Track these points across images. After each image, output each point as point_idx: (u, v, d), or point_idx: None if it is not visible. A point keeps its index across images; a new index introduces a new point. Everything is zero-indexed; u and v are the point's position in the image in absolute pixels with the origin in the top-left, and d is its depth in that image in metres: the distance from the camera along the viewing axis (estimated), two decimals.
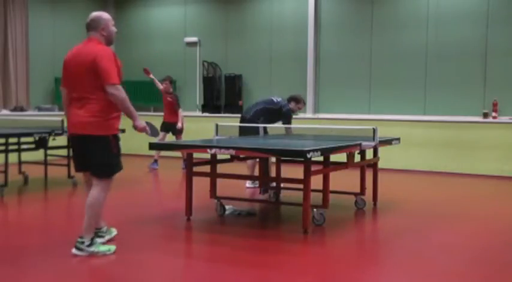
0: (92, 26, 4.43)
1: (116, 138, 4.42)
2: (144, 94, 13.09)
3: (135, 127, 4.45)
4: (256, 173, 7.46)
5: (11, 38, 11.34)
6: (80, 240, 4.37)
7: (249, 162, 7.56)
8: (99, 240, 4.57)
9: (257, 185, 7.60)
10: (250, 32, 12.22)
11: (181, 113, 9.85)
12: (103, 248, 4.44)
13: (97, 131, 4.28)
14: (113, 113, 4.33)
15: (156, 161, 9.98)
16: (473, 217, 6.25)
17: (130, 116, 4.35)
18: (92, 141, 4.30)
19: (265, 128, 7.37)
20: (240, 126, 7.38)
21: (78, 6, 12.82)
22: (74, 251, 4.37)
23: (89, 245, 4.36)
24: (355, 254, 4.86)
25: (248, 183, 7.92)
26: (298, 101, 7.74)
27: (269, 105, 7.57)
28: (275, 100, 7.63)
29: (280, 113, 7.52)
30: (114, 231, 4.98)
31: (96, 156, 4.35)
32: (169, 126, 9.81)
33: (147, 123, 4.60)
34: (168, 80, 9.89)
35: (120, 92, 4.21)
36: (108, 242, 4.74)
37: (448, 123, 10.05)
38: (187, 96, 12.93)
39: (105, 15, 4.50)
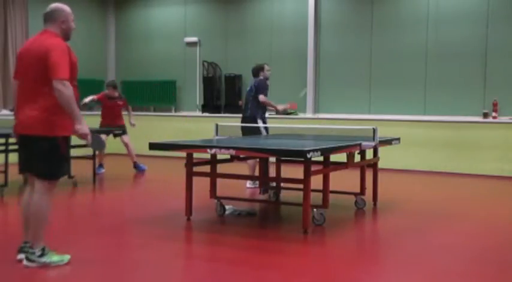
0: (51, 17, 4.13)
1: (66, 141, 4.11)
2: (144, 94, 13.09)
3: (76, 131, 4.00)
4: (257, 172, 7.46)
5: (11, 38, 11.34)
6: (30, 250, 4.04)
7: (250, 162, 7.59)
8: (23, 256, 4.12)
9: (257, 185, 7.61)
10: (250, 32, 12.22)
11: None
12: (56, 258, 4.09)
13: (44, 130, 3.95)
14: (62, 113, 3.96)
15: (101, 165, 9.57)
16: (473, 217, 6.25)
17: (72, 116, 3.95)
18: (38, 141, 3.98)
19: (266, 129, 7.47)
20: (242, 127, 7.46)
21: (78, 6, 12.76)
22: (24, 262, 4.05)
23: (41, 256, 4.05)
24: (355, 254, 4.86)
25: (249, 183, 7.93)
26: (261, 68, 7.92)
27: (251, 96, 7.73)
28: (250, 87, 7.85)
29: (257, 88, 7.70)
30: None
31: (40, 157, 4.00)
32: (116, 129, 9.40)
33: (94, 135, 4.23)
34: (111, 86, 9.61)
35: (65, 88, 3.85)
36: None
37: (448, 123, 10.05)
38: (187, 96, 12.94)
39: (67, 8, 4.19)
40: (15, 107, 4.18)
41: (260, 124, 7.52)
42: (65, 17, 4.14)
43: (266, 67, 7.96)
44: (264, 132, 7.54)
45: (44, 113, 3.95)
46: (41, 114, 3.95)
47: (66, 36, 4.17)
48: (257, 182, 7.69)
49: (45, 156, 3.99)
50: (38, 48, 3.99)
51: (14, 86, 4.29)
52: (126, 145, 9.64)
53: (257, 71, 7.93)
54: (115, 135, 9.51)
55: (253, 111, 7.69)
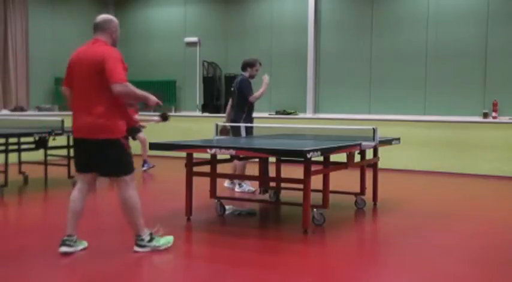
0: (102, 27, 4.43)
1: (127, 139, 4.45)
2: None
3: (150, 104, 4.47)
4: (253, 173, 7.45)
5: (11, 38, 11.34)
6: (138, 237, 4.44)
7: (238, 163, 7.25)
8: (65, 249, 4.38)
9: (234, 186, 7.61)
10: (250, 32, 12.21)
11: None
12: (163, 241, 4.52)
13: (108, 134, 4.26)
14: (119, 114, 4.33)
15: (145, 161, 9.76)
16: (473, 217, 6.25)
17: (144, 99, 4.41)
18: (104, 144, 4.28)
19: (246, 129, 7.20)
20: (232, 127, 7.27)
21: (78, 6, 12.83)
22: (135, 248, 4.44)
23: (150, 240, 4.45)
24: (355, 254, 4.86)
25: (227, 183, 7.82)
26: (251, 64, 7.49)
27: (236, 96, 7.44)
28: (232, 88, 7.56)
29: (239, 89, 7.37)
30: (85, 243, 4.61)
31: (111, 158, 4.34)
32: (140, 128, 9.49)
33: (153, 94, 4.59)
34: None
35: (125, 87, 4.17)
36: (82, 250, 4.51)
37: (448, 123, 10.05)
38: (187, 96, 12.94)
39: (115, 19, 4.55)
40: (73, 113, 4.43)
41: (241, 124, 7.18)
42: (115, 27, 4.46)
43: (258, 67, 7.53)
44: (243, 133, 7.14)
45: (103, 118, 4.23)
46: (102, 120, 4.23)
47: (114, 44, 4.47)
48: (234, 182, 7.65)
49: (115, 157, 4.33)
50: (93, 57, 4.24)
51: (65, 93, 4.54)
52: (143, 141, 9.60)
53: (245, 65, 7.50)
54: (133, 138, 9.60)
55: (237, 113, 7.40)
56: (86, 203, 4.56)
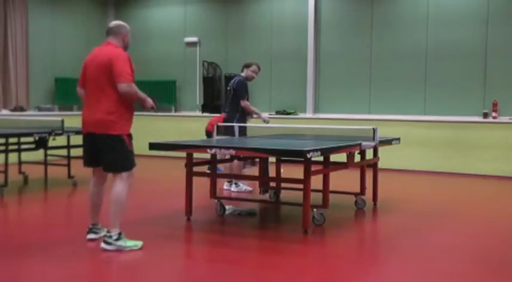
0: (115, 31, 4.73)
1: (130, 137, 4.66)
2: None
3: (146, 106, 4.76)
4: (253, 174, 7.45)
5: (11, 38, 11.33)
6: (107, 234, 4.55)
7: (235, 163, 7.19)
8: (93, 236, 4.82)
9: (233, 187, 7.62)
10: (250, 32, 12.21)
11: None
12: (130, 243, 4.58)
13: (112, 129, 4.51)
14: (125, 113, 4.59)
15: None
16: (473, 217, 6.25)
17: (142, 101, 4.69)
18: (108, 139, 4.52)
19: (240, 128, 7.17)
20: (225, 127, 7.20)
21: (78, 6, 12.82)
22: (102, 245, 4.53)
23: (117, 239, 4.52)
24: (355, 254, 4.86)
25: (226, 185, 7.78)
26: (248, 64, 7.56)
27: (231, 95, 7.39)
28: (229, 87, 7.50)
29: (235, 89, 7.34)
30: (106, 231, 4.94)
31: (112, 153, 4.55)
32: None
33: (151, 97, 4.84)
34: None
35: (130, 87, 4.48)
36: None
37: (448, 123, 10.05)
38: (187, 96, 12.94)
39: (127, 25, 4.86)
40: (83, 109, 4.71)
41: (235, 124, 7.15)
42: (126, 32, 4.78)
43: (254, 68, 7.53)
44: (237, 133, 7.10)
45: (109, 115, 4.49)
46: (108, 116, 4.49)
47: (125, 48, 4.76)
48: (233, 183, 7.64)
49: (115, 152, 4.55)
50: (104, 57, 4.54)
51: (79, 92, 4.82)
52: None
53: (243, 67, 7.59)
54: None
55: (231, 113, 7.36)
56: (104, 193, 4.84)
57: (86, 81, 4.69)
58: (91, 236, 4.84)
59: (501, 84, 9.93)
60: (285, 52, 11.79)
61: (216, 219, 5.95)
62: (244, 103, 7.31)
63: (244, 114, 7.48)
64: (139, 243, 4.62)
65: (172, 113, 12.83)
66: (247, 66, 7.56)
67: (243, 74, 7.53)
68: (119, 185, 4.58)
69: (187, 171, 5.74)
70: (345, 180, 6.70)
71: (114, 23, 4.83)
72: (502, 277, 4.13)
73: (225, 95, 7.70)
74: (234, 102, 7.37)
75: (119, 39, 4.73)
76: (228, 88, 7.58)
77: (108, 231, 4.57)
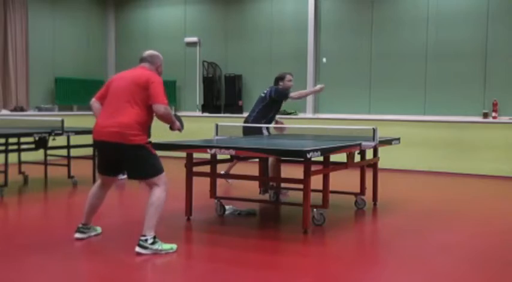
0: (149, 61, 4.96)
1: (151, 144, 4.84)
2: None
3: (173, 128, 5.03)
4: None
5: (11, 38, 11.33)
6: (142, 238, 4.49)
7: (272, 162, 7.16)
8: (79, 235, 4.87)
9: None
10: (250, 32, 12.21)
11: None
12: (166, 247, 4.54)
13: (132, 141, 4.57)
14: (144, 128, 4.72)
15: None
16: (473, 217, 6.25)
17: (171, 123, 4.94)
18: (129, 148, 4.57)
19: (268, 129, 7.26)
20: (243, 128, 7.23)
21: (78, 6, 12.82)
22: (137, 249, 4.46)
23: (152, 243, 4.48)
24: (355, 254, 4.86)
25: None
26: (282, 77, 7.57)
27: (262, 103, 7.39)
28: (263, 94, 7.50)
29: (272, 97, 7.36)
30: (99, 229, 5.08)
31: (136, 161, 4.65)
32: None
33: (176, 117, 5.06)
34: None
35: (166, 110, 4.68)
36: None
37: (448, 123, 10.06)
38: (187, 96, 12.94)
39: (161, 55, 5.17)
40: (100, 119, 4.74)
41: (263, 126, 7.21)
42: (161, 63, 5.11)
43: (288, 77, 7.60)
44: (266, 133, 7.24)
45: (130, 129, 4.56)
46: (127, 130, 4.55)
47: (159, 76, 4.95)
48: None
49: (144, 160, 4.67)
50: (142, 76, 4.71)
51: (93, 104, 4.86)
52: None
53: (276, 80, 7.59)
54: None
55: (256, 119, 7.33)
56: (104, 198, 4.91)
57: (109, 94, 4.71)
58: (78, 235, 4.86)
59: (501, 84, 9.93)
60: (285, 52, 11.79)
61: (216, 219, 5.95)
62: (294, 95, 7.59)
63: (270, 123, 7.48)
64: (174, 246, 4.58)
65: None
66: (281, 78, 7.55)
67: (280, 86, 7.49)
68: (157, 190, 4.67)
69: (187, 171, 5.75)
70: (344, 180, 6.70)
71: (148, 52, 5.01)
72: (502, 277, 4.13)
73: (252, 109, 7.61)
74: (264, 109, 7.34)
75: (153, 67, 4.92)
76: (263, 95, 7.49)
77: (143, 235, 4.50)
